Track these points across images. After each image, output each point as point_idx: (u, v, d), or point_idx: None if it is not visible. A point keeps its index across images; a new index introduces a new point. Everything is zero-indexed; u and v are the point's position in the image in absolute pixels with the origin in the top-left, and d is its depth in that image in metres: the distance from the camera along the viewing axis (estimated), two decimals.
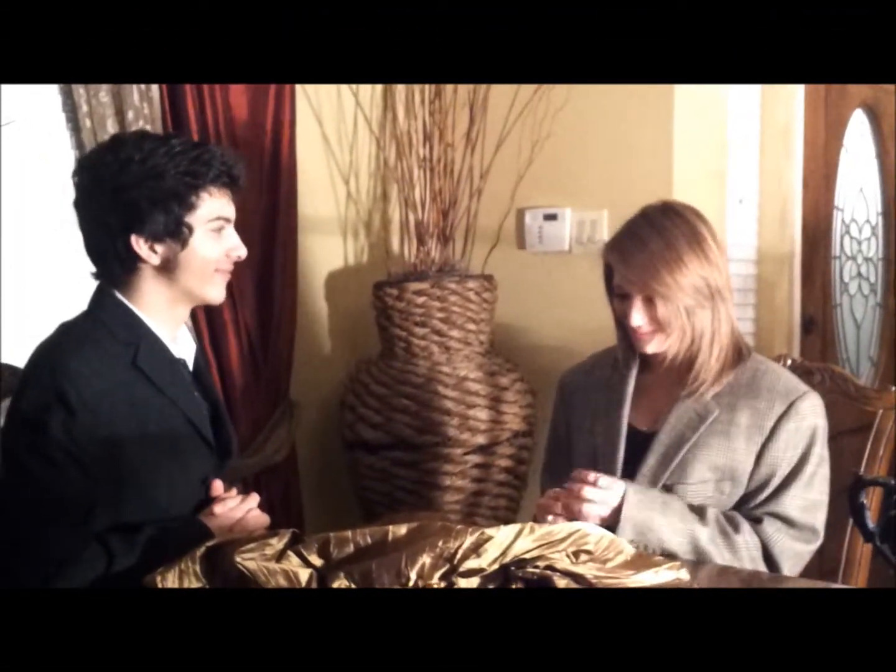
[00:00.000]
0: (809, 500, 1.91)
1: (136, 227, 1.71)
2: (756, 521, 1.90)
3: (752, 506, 1.92)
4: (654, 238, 1.92)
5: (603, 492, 1.83)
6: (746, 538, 1.87)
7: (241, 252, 1.82)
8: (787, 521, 1.90)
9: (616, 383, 2.05)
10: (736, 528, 1.87)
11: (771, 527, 1.89)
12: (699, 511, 1.88)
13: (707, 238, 1.93)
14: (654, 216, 1.96)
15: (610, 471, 1.96)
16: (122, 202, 1.70)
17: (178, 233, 1.73)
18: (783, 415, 1.91)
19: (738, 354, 1.97)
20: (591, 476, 1.83)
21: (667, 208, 1.98)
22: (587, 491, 1.82)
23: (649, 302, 1.92)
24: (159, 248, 1.74)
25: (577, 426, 2.11)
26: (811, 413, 1.93)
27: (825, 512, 1.93)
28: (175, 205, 1.72)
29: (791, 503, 1.90)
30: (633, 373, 2.04)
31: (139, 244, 1.72)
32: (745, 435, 1.91)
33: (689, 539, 1.84)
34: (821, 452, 1.93)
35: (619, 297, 1.97)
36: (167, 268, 1.75)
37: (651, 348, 1.96)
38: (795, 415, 1.91)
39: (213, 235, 1.77)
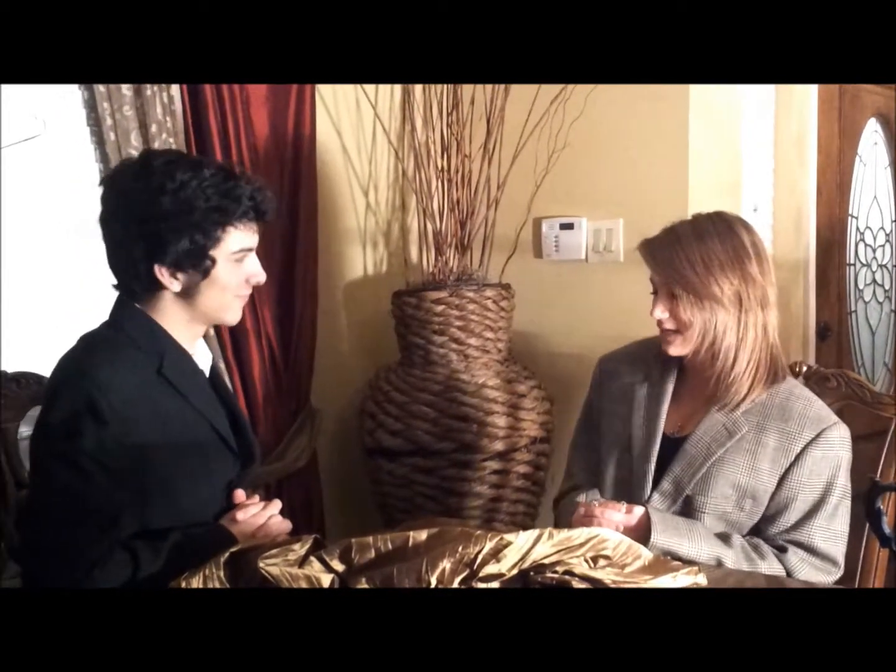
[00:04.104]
0: (833, 531, 1.91)
1: (160, 257, 1.72)
2: (780, 550, 1.91)
3: (774, 532, 1.93)
4: (691, 238, 1.92)
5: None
6: (772, 564, 1.88)
7: (261, 278, 1.83)
8: (811, 551, 1.90)
9: (657, 379, 2.06)
10: (761, 556, 1.88)
11: (795, 556, 1.89)
12: (723, 537, 1.90)
13: (749, 251, 1.92)
14: (700, 220, 1.97)
15: (643, 467, 1.99)
16: (148, 232, 1.71)
17: (200, 264, 1.74)
18: (812, 441, 1.90)
19: (773, 374, 1.96)
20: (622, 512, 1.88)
21: (716, 216, 1.98)
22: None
23: (674, 298, 1.93)
24: (181, 276, 1.75)
25: (608, 411, 2.12)
26: (839, 444, 1.92)
27: (845, 544, 1.94)
28: (200, 238, 1.72)
29: (815, 533, 1.90)
30: (674, 375, 2.04)
31: (162, 272, 1.74)
32: (770, 457, 1.91)
33: (716, 564, 1.84)
34: (844, 484, 1.93)
35: (653, 294, 1.98)
36: (187, 293, 1.77)
37: (674, 350, 1.97)
38: (824, 443, 1.91)
39: (235, 265, 1.78)
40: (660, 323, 1.97)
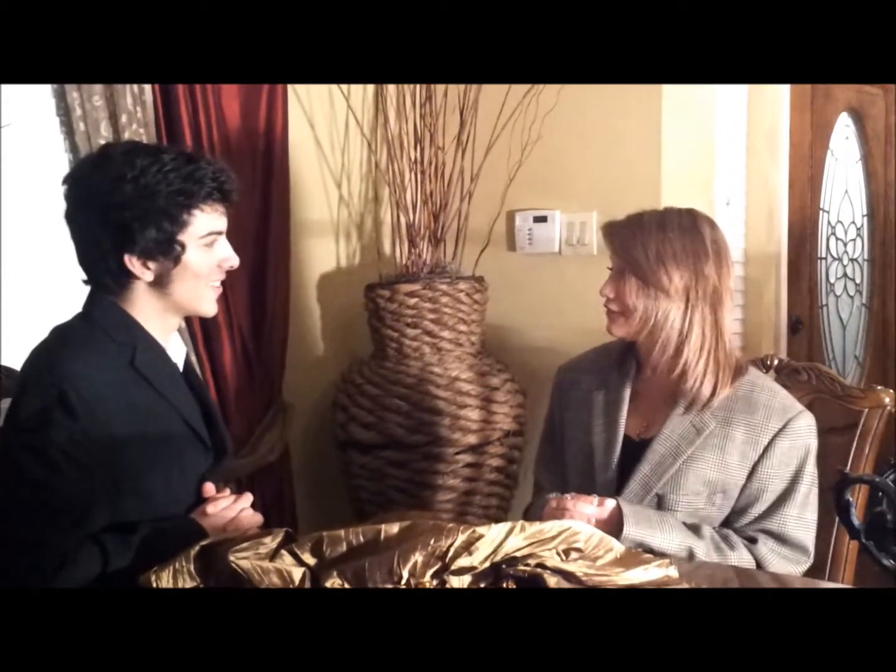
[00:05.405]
0: (804, 520, 1.93)
1: (129, 247, 1.71)
2: (750, 541, 1.92)
3: (745, 522, 1.94)
4: (653, 227, 1.95)
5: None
6: (742, 555, 1.89)
7: (234, 262, 1.82)
8: (781, 539, 1.92)
9: (614, 384, 2.06)
10: (731, 546, 1.90)
11: (765, 546, 1.91)
12: (694, 528, 1.91)
13: (708, 250, 1.93)
14: (668, 213, 2.00)
15: (605, 475, 1.99)
16: (113, 222, 1.70)
17: (170, 251, 1.73)
18: (779, 432, 1.92)
19: (735, 371, 1.97)
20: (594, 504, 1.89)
21: (685, 212, 2.00)
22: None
23: (623, 280, 1.95)
24: (152, 264, 1.74)
25: (571, 421, 2.12)
26: (805, 432, 1.94)
27: (815, 532, 1.95)
28: (167, 224, 1.71)
29: (786, 521, 1.92)
30: (631, 376, 2.05)
31: (132, 262, 1.72)
32: (739, 450, 1.93)
33: (687, 554, 1.86)
34: (812, 472, 1.95)
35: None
36: (160, 283, 1.76)
37: (616, 329, 2.00)
38: (791, 433, 1.93)
39: (206, 249, 1.77)
40: (605, 299, 1.99)
